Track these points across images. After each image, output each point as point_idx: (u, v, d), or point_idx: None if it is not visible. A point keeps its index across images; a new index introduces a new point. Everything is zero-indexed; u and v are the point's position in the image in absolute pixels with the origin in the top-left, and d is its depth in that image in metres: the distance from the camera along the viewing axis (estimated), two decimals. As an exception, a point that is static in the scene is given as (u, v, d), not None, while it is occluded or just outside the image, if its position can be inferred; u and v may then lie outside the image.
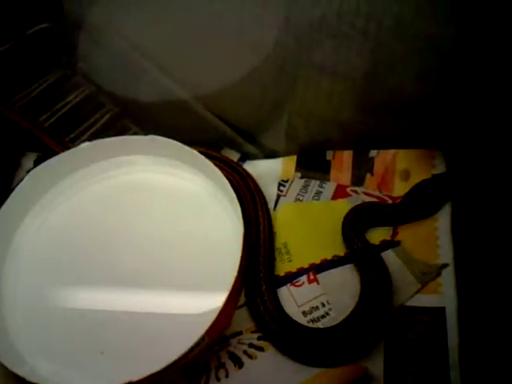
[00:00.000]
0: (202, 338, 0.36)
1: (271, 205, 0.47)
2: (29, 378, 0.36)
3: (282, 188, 0.48)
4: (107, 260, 0.43)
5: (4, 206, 0.44)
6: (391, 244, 0.43)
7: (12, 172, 0.51)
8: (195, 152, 0.44)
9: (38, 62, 0.54)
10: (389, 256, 0.42)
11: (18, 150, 0.53)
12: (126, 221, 0.45)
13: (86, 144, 0.46)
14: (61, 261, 0.44)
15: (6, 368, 0.36)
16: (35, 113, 0.52)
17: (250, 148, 0.51)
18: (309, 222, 0.45)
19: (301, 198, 0.47)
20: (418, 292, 0.40)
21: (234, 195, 0.42)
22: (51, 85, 0.54)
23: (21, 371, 0.36)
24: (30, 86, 0.53)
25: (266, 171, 0.49)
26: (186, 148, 0.45)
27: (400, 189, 0.46)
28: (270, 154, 0.51)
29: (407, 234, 0.43)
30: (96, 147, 0.46)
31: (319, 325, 0.40)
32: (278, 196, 0.47)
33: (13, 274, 0.43)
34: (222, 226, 0.44)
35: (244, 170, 0.48)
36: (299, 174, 0.49)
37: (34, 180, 0.45)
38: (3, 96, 0.52)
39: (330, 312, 0.40)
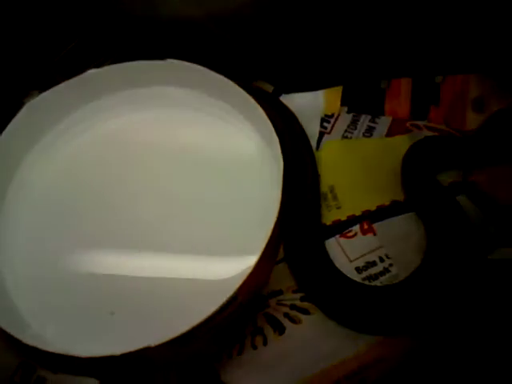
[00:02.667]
0: (234, 297, 0.30)
1: (313, 144, 0.40)
2: (27, 341, 0.31)
3: (325, 124, 0.41)
4: (119, 216, 0.37)
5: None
6: (463, 186, 0.36)
7: (14, 112, 0.46)
8: (226, 79, 0.37)
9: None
10: (461, 201, 0.35)
11: (21, 90, 0.47)
12: (141, 168, 0.39)
13: (93, 71, 0.40)
14: (66, 216, 0.38)
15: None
16: (44, 48, 0.46)
17: (286, 79, 0.44)
18: (360, 162, 0.38)
19: (349, 136, 0.40)
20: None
21: (272, 130, 0.35)
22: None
23: (21, 335, 0.31)
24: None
25: (306, 105, 0.42)
26: (216, 75, 0.38)
27: (473, 121, 0.39)
28: (310, 86, 0.43)
29: (484, 174, 0.36)
30: (106, 75, 0.40)
31: (377, 283, 0.34)
32: (321, 134, 0.41)
33: (11, 231, 0.37)
34: (256, 169, 0.37)
35: (281, 103, 0.41)
36: (346, 108, 0.42)
37: (29, 116, 0.39)
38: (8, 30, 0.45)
39: (390, 268, 0.34)
